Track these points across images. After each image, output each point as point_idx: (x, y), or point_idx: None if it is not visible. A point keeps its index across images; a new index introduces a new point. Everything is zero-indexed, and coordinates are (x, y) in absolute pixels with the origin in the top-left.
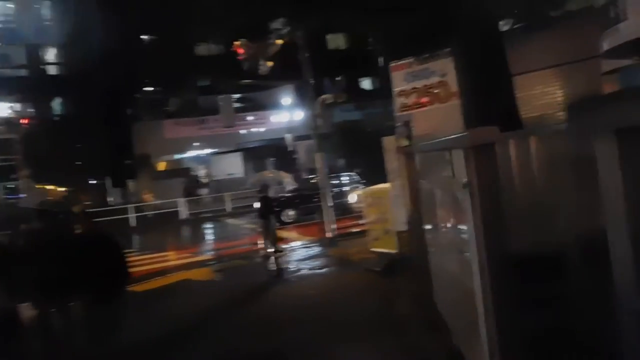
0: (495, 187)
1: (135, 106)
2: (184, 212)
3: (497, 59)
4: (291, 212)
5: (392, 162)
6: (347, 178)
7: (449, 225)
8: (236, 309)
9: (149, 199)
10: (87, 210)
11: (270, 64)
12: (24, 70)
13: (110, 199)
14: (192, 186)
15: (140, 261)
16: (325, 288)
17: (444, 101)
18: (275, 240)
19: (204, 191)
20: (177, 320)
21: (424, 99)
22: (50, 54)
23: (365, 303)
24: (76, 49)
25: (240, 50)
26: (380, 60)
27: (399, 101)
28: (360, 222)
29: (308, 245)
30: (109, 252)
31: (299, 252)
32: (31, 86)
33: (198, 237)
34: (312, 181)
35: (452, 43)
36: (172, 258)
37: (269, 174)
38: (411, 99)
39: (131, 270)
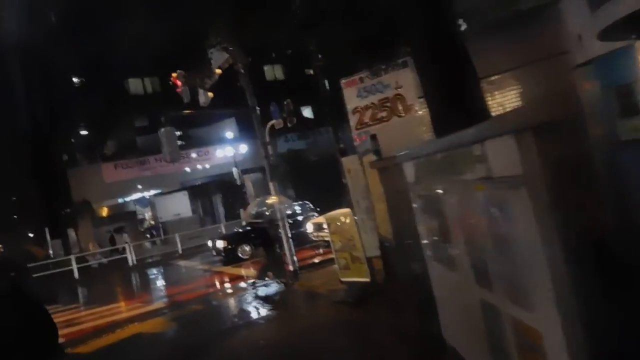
0: (566, 179)
1: (70, 151)
2: (132, 258)
3: (464, 63)
4: (247, 248)
5: (357, 182)
6: (300, 207)
7: (473, 240)
8: None
9: (93, 247)
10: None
11: (210, 94)
12: None
13: (50, 251)
14: (115, 233)
15: (83, 318)
16: (295, 327)
17: (402, 114)
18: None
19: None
20: None
21: (381, 114)
22: None
23: (344, 342)
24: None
25: (178, 82)
26: (326, 82)
27: (354, 118)
28: (320, 251)
29: (269, 282)
30: (28, 314)
31: (261, 289)
32: None
33: (149, 284)
34: (267, 213)
35: (412, 51)
36: (122, 310)
37: (270, 200)
38: (367, 115)
39: (57, 333)
